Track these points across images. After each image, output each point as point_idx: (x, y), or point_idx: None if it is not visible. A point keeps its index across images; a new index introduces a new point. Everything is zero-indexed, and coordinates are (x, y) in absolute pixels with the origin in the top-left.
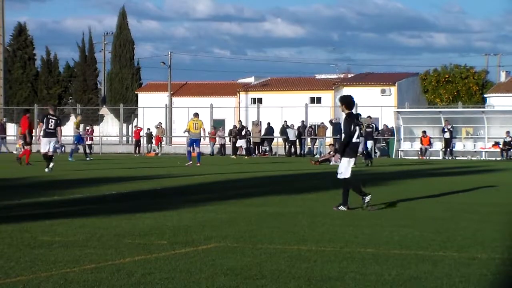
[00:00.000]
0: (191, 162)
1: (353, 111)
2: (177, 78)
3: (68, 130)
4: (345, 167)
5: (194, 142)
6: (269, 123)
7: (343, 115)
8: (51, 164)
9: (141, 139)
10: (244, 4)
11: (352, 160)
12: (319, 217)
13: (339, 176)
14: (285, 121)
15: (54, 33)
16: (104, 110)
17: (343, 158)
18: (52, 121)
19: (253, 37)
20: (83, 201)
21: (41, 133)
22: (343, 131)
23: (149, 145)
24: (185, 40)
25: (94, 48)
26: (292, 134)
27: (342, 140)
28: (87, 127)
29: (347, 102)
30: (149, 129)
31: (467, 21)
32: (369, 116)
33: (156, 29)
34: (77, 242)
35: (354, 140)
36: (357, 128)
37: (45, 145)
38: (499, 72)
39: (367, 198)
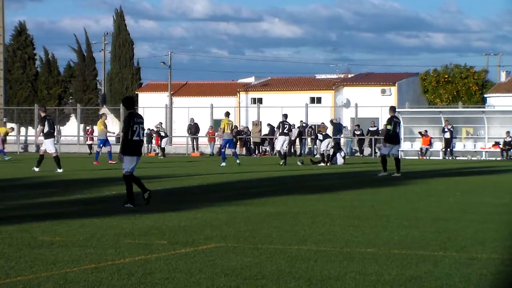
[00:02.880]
0: (225, 164)
1: (133, 110)
2: (176, 78)
3: (69, 130)
4: (125, 163)
5: (227, 142)
6: (269, 124)
7: (124, 114)
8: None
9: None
10: (241, 4)
11: (134, 158)
12: (320, 217)
13: (123, 173)
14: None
15: (51, 33)
16: (104, 110)
17: (124, 156)
18: (51, 122)
19: (251, 37)
20: (83, 202)
21: (44, 135)
22: (121, 130)
23: (149, 145)
24: (183, 40)
25: (92, 48)
26: (293, 134)
27: (122, 138)
28: (87, 127)
29: (128, 102)
30: (149, 129)
31: (465, 21)
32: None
33: (154, 29)
34: (77, 242)
35: (133, 138)
36: (138, 126)
37: (52, 146)
38: (499, 72)
39: (146, 195)
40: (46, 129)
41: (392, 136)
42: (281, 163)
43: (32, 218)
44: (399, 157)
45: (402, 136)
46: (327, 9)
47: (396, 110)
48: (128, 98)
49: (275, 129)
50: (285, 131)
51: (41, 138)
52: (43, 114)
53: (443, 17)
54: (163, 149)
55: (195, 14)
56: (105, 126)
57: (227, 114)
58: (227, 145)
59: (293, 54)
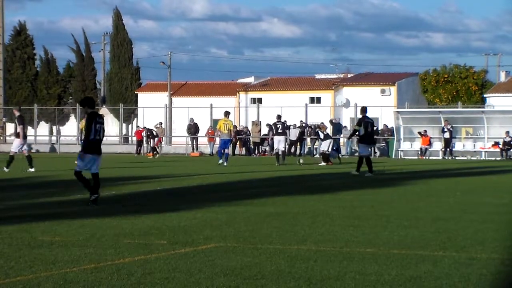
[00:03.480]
0: (221, 162)
1: (96, 110)
2: (176, 78)
3: (69, 130)
4: (80, 161)
5: (225, 142)
6: (268, 124)
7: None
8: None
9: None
10: (240, 4)
11: (93, 157)
12: (319, 217)
13: (76, 169)
14: (285, 120)
15: (50, 33)
16: (103, 110)
17: (85, 154)
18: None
19: (250, 37)
20: (83, 202)
21: (21, 135)
22: (84, 130)
23: (147, 145)
24: (182, 40)
25: (91, 48)
26: (293, 134)
27: (84, 137)
28: None
29: (88, 103)
30: (149, 129)
31: (464, 21)
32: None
33: (153, 29)
34: (76, 242)
35: (94, 138)
36: (100, 126)
37: (17, 146)
38: (498, 72)
39: (93, 197)
40: (18, 129)
41: (365, 137)
42: (276, 164)
43: (32, 218)
44: (370, 156)
45: (400, 134)
46: (327, 9)
47: (367, 110)
48: (88, 98)
49: (268, 131)
50: (278, 131)
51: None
52: (17, 114)
53: (443, 17)
54: (153, 149)
55: (194, 14)
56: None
57: (226, 113)
58: (224, 146)
59: (292, 54)
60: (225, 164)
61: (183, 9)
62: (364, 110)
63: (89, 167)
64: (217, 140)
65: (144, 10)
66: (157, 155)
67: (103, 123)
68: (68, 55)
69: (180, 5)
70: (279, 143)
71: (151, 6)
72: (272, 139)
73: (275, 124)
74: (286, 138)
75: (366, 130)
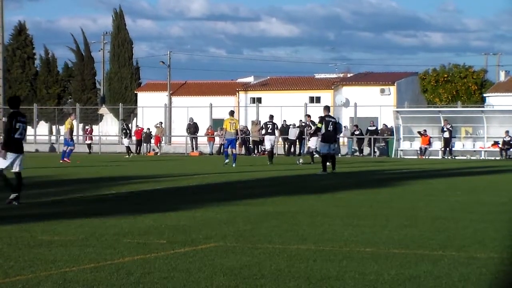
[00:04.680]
0: (227, 162)
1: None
2: (175, 78)
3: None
4: (4, 161)
5: (231, 142)
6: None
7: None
8: None
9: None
10: (238, 4)
11: (14, 155)
12: (319, 216)
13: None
14: (284, 120)
15: (49, 32)
16: (103, 110)
17: (6, 152)
18: None
19: (249, 37)
20: (82, 201)
21: None
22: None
23: (148, 144)
24: (180, 40)
25: (91, 47)
26: (293, 134)
27: (4, 136)
28: (86, 127)
29: (13, 102)
30: (148, 129)
31: (463, 20)
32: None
33: (151, 28)
34: (76, 242)
35: (15, 136)
36: (21, 125)
37: None
38: (498, 72)
39: (13, 195)
40: None
41: (326, 135)
42: (268, 163)
43: (31, 218)
44: (335, 154)
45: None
46: (325, 8)
47: (330, 109)
48: (14, 97)
49: (259, 130)
50: (268, 131)
51: None
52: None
53: (441, 16)
54: (127, 148)
55: (193, 13)
56: (72, 126)
57: (231, 113)
58: (229, 145)
59: (291, 53)
60: (233, 165)
61: (181, 8)
62: (327, 109)
63: (12, 166)
64: (217, 139)
65: (142, 9)
66: (131, 154)
67: (25, 122)
68: (67, 54)
69: (178, 4)
70: (268, 143)
71: (149, 5)
72: (263, 138)
73: (266, 124)
74: (275, 138)
75: (327, 128)
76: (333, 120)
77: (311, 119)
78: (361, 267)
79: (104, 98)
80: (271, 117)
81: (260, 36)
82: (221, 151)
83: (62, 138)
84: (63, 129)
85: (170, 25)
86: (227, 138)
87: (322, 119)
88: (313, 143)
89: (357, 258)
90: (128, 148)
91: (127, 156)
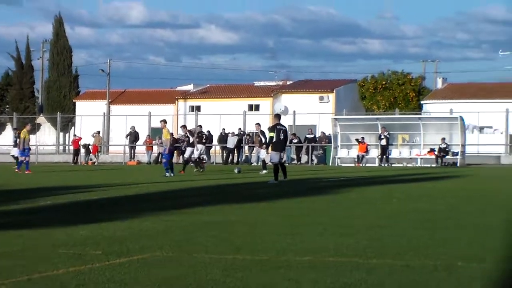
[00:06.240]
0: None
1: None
2: (114, 86)
3: (5, 139)
4: None
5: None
6: (209, 131)
7: None
8: None
9: (81, 149)
10: (178, 11)
11: None
12: (256, 225)
13: None
14: (223, 128)
15: None
16: (41, 119)
17: None
18: None
19: (188, 44)
20: (18, 212)
21: None
22: None
23: (87, 156)
24: (119, 47)
25: (32, 55)
26: (231, 142)
27: None
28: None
29: None
30: (87, 144)
31: (400, 27)
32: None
33: (90, 36)
34: (9, 254)
35: None
36: None
37: None
38: (436, 79)
39: None
40: None
41: (278, 143)
42: (200, 170)
43: None
44: (284, 163)
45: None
46: (264, 15)
47: (281, 118)
48: None
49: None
50: (203, 140)
51: None
52: None
53: (379, 24)
54: (16, 158)
55: (132, 21)
56: (26, 136)
57: (166, 121)
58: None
59: (230, 61)
60: (172, 175)
61: (121, 16)
62: (278, 117)
63: None
64: (155, 148)
65: (80, 17)
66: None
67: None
68: (4, 63)
69: (118, 12)
70: (200, 151)
71: (88, 13)
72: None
73: (198, 133)
74: (203, 148)
75: (278, 137)
76: (283, 128)
77: (261, 128)
78: (298, 276)
79: (42, 107)
80: (201, 126)
81: (199, 43)
82: (161, 161)
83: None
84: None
85: (109, 33)
86: (168, 147)
87: (273, 127)
88: (263, 153)
89: (294, 267)
90: (16, 158)
91: (16, 170)
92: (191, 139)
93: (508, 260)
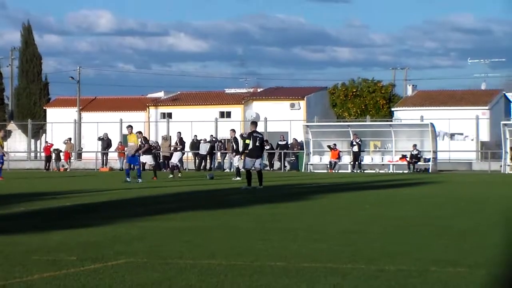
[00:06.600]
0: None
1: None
2: (84, 93)
3: None
4: None
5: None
6: (181, 138)
7: None
8: None
9: (53, 154)
10: (146, 19)
11: None
12: (230, 231)
13: None
14: (195, 135)
15: None
16: (11, 126)
17: None
18: None
19: (157, 52)
20: None
21: None
22: None
23: (58, 162)
24: (88, 55)
25: (0, 63)
26: (204, 149)
27: None
28: None
29: None
30: (57, 149)
31: (369, 36)
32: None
33: (58, 43)
34: None
35: None
36: None
37: None
38: (406, 86)
39: None
40: None
41: (253, 150)
42: (172, 176)
43: None
44: (261, 170)
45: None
46: (232, 23)
47: (257, 125)
48: None
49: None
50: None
51: None
52: None
53: (348, 32)
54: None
55: (100, 29)
56: (2, 141)
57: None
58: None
59: (199, 68)
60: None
61: (89, 23)
62: (254, 124)
63: None
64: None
65: (49, 24)
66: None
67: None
68: None
69: (86, 19)
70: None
71: (56, 20)
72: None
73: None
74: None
75: (254, 144)
76: (260, 136)
77: (235, 135)
78: (272, 281)
79: (12, 114)
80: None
81: (168, 51)
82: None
83: None
84: None
85: (78, 40)
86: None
87: (250, 134)
88: (236, 160)
89: (268, 272)
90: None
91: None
92: (146, 146)
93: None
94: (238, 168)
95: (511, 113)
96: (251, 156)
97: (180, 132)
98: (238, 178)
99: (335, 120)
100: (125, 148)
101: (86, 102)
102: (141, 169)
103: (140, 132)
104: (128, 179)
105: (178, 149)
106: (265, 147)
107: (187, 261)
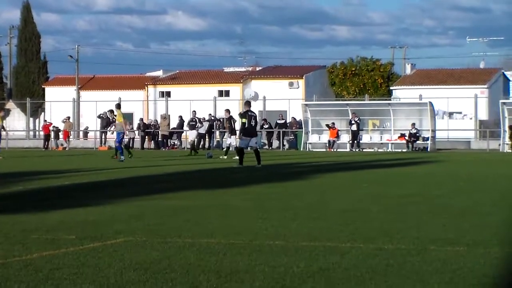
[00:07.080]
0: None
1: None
2: (83, 72)
3: None
4: None
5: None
6: (180, 116)
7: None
8: None
9: (52, 133)
10: None
11: None
12: (229, 210)
13: None
14: (194, 111)
15: None
16: (10, 105)
17: None
18: None
19: (156, 30)
20: None
21: None
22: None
23: (56, 140)
24: (87, 33)
25: None
26: (203, 128)
27: None
28: None
29: None
30: (55, 126)
31: (368, 14)
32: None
33: (57, 22)
34: None
35: None
36: None
37: None
38: (404, 65)
39: None
40: None
41: (248, 129)
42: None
43: None
44: (258, 149)
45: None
46: (231, 1)
47: (251, 104)
48: None
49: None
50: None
51: None
52: None
53: (346, 10)
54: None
55: (98, 7)
56: (1, 120)
57: (119, 106)
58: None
59: (198, 47)
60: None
61: (87, 2)
62: (248, 104)
63: None
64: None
65: (47, 3)
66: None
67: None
68: None
69: None
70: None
71: None
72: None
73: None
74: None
75: (249, 123)
76: (254, 115)
77: (230, 114)
78: (271, 260)
79: (11, 92)
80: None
81: (167, 29)
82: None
83: None
84: None
85: (76, 19)
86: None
87: (245, 114)
88: (233, 139)
89: (267, 251)
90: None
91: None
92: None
93: None
94: (228, 147)
95: (510, 92)
96: (246, 135)
97: (195, 111)
98: (224, 157)
99: (334, 99)
100: (113, 127)
101: (84, 80)
102: (122, 146)
103: (111, 111)
104: (122, 157)
105: (198, 127)
106: (264, 126)
107: (186, 240)
